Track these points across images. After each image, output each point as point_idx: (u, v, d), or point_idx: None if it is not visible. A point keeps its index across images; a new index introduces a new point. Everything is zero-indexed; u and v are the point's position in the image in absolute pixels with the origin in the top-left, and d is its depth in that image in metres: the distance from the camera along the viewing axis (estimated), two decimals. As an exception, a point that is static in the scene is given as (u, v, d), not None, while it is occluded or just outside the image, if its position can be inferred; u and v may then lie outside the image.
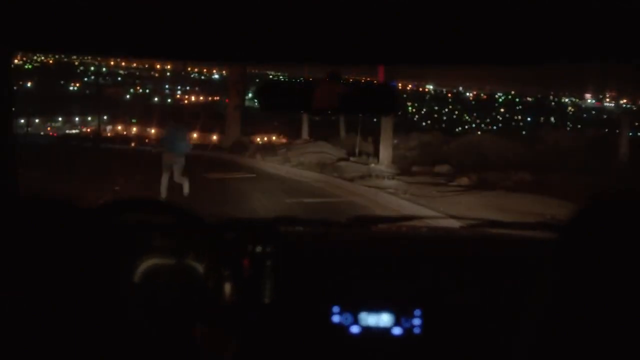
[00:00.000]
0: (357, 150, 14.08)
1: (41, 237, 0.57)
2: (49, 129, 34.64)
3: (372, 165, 12.46)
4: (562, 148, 15.78)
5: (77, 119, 39.57)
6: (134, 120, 28.90)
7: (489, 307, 1.32)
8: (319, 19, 0.77)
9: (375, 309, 1.31)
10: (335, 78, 1.13)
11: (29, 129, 28.71)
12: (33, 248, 0.56)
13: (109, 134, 25.51)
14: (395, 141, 14.72)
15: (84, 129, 32.30)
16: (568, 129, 32.21)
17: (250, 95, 21.13)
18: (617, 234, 0.57)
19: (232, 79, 17.79)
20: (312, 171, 12.00)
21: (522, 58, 0.86)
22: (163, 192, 8.03)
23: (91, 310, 0.57)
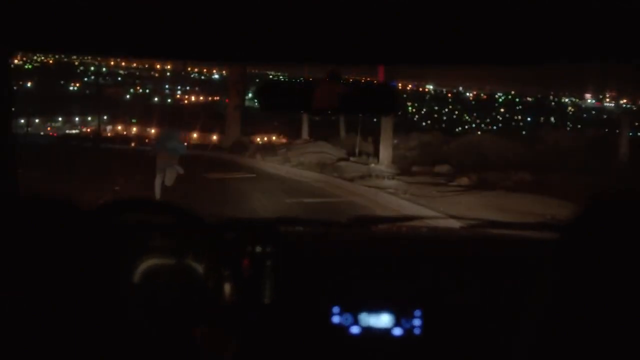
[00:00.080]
0: (357, 150, 14.08)
1: (41, 237, 0.57)
2: (49, 129, 34.63)
3: (372, 165, 12.46)
4: (562, 148, 15.77)
5: (77, 119, 39.56)
6: (134, 120, 28.88)
7: (489, 308, 1.32)
8: (319, 18, 0.76)
9: (376, 309, 1.31)
10: (335, 78, 1.13)
11: (29, 129, 28.70)
12: (32, 248, 0.56)
13: (109, 134, 25.50)
14: (395, 141, 14.71)
15: (84, 129, 32.29)
16: (568, 129, 32.18)
17: (250, 95, 21.13)
18: (617, 234, 0.57)
19: (232, 79, 17.78)
20: (312, 171, 11.99)
21: (522, 58, 0.86)
22: (157, 193, 8.08)
23: (91, 311, 0.57)
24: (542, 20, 0.75)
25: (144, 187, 8.98)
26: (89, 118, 35.30)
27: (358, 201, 9.04)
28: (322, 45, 0.84)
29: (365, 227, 1.60)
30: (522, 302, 1.29)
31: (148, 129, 24.06)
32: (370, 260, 1.38)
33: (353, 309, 1.31)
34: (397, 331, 1.30)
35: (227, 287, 1.24)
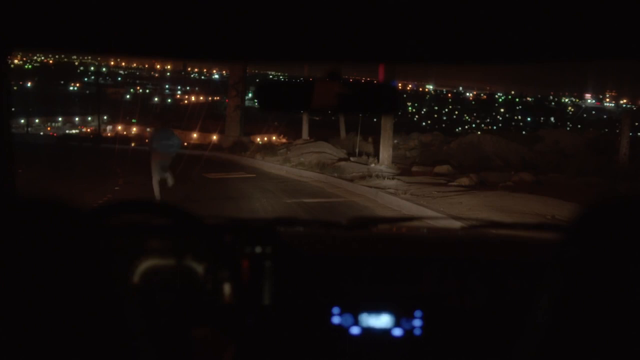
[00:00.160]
0: (357, 150, 14.10)
1: (38, 238, 0.56)
2: (48, 129, 34.70)
3: (372, 165, 12.47)
4: (562, 148, 15.81)
5: (77, 119, 39.66)
6: (134, 120, 28.92)
7: (490, 309, 1.31)
8: (319, 16, 0.76)
9: (376, 310, 1.30)
10: (335, 77, 1.12)
11: (29, 128, 28.78)
12: (29, 250, 0.55)
13: (109, 134, 25.53)
14: (396, 141, 14.75)
15: (84, 129, 32.35)
16: (568, 129, 32.24)
17: (250, 95, 21.16)
18: (622, 236, 0.56)
19: (232, 79, 17.79)
20: (312, 171, 12.00)
21: (524, 55, 0.85)
22: (156, 193, 8.17)
23: (89, 312, 0.56)
24: (543, 17, 0.74)
25: (144, 187, 9.00)
26: (89, 118, 35.38)
27: (358, 201, 9.05)
28: (322, 43, 0.83)
29: (365, 227, 1.59)
30: (524, 303, 1.29)
31: (148, 129, 24.08)
32: (370, 261, 1.37)
33: (353, 310, 1.30)
34: (397, 332, 1.29)
35: (227, 288, 1.23)
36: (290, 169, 12.67)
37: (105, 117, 27.28)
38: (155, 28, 0.80)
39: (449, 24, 0.76)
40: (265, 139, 19.82)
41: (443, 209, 7.68)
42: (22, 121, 29.38)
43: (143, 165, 8.90)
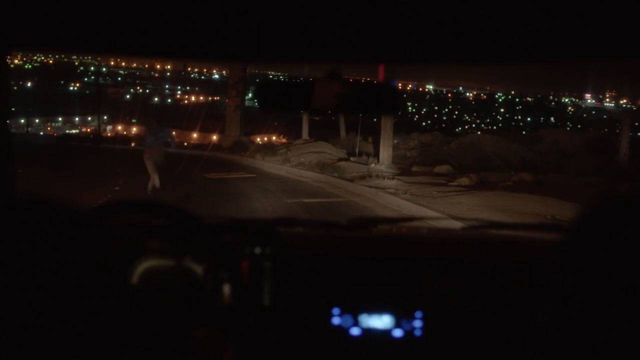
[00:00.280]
0: (357, 150, 14.10)
1: (37, 239, 0.56)
2: (48, 129, 34.69)
3: (372, 165, 12.46)
4: (562, 148, 15.81)
5: (77, 119, 39.65)
6: (134, 120, 28.90)
7: (491, 310, 1.31)
8: (319, 17, 0.75)
9: (376, 310, 1.30)
10: (335, 77, 1.12)
11: (29, 128, 28.77)
12: (28, 250, 0.55)
13: (109, 134, 25.51)
14: (396, 141, 14.74)
15: (84, 129, 32.33)
16: (568, 128, 32.24)
17: (250, 95, 21.15)
18: (625, 237, 0.56)
19: (232, 79, 17.79)
20: (312, 171, 12.00)
21: (526, 55, 0.85)
22: (156, 182, 8.69)
23: (88, 313, 0.56)
24: (542, 16, 0.74)
25: (144, 187, 9.00)
26: (89, 118, 35.38)
27: (358, 201, 9.04)
28: (322, 43, 0.83)
29: (365, 227, 1.59)
30: (524, 304, 1.28)
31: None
32: (370, 261, 1.37)
33: (353, 310, 1.30)
34: (398, 332, 1.29)
35: (226, 289, 1.23)
36: (290, 169, 12.67)
37: (105, 117, 27.25)
38: (155, 28, 0.80)
39: (449, 24, 0.76)
40: (265, 139, 19.80)
41: (443, 209, 7.67)
42: (22, 121, 29.37)
43: (143, 166, 8.90)
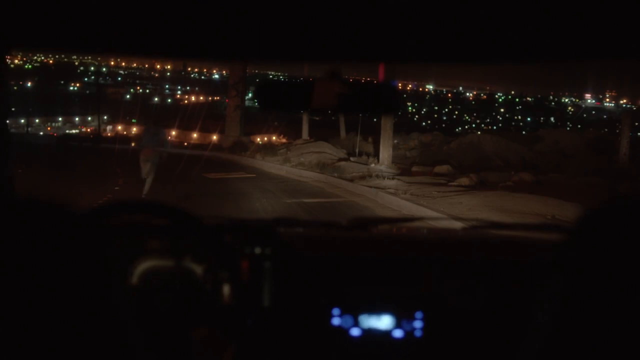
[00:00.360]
0: (357, 150, 14.09)
1: (36, 239, 0.56)
2: (49, 129, 34.68)
3: (372, 165, 12.46)
4: (562, 148, 15.81)
5: (77, 119, 39.64)
6: (134, 120, 28.89)
7: (491, 310, 1.31)
8: (319, 17, 0.75)
9: (376, 311, 1.29)
10: (335, 77, 1.12)
11: (29, 128, 28.77)
12: (27, 250, 0.55)
13: (109, 134, 25.50)
14: (396, 141, 14.74)
15: (84, 129, 32.33)
16: (568, 128, 32.23)
17: (250, 95, 21.15)
18: (627, 238, 0.56)
19: (232, 79, 17.78)
20: (312, 171, 12.00)
21: (526, 55, 0.85)
22: (146, 188, 8.66)
23: (87, 313, 0.56)
24: (542, 16, 0.74)
25: (144, 187, 8.99)
26: (89, 118, 35.36)
27: (358, 201, 9.04)
28: (322, 43, 0.83)
29: (365, 228, 1.59)
30: (524, 304, 1.28)
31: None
32: (370, 262, 1.37)
33: (353, 311, 1.30)
34: (398, 333, 1.29)
35: (226, 289, 1.23)
36: (290, 169, 12.67)
37: (105, 117, 27.24)
38: (155, 28, 0.80)
39: (449, 24, 0.76)
40: (265, 139, 19.80)
41: (443, 209, 7.67)
42: (22, 121, 29.37)
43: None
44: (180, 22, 0.79)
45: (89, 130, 29.93)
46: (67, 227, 0.58)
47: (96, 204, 1.23)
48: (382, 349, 1.30)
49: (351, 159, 13.50)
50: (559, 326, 0.58)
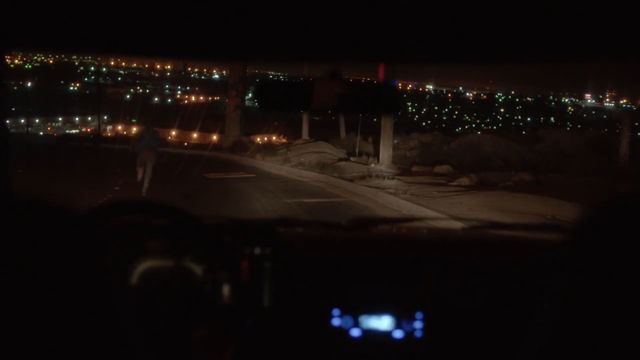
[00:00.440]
0: (357, 150, 14.09)
1: (34, 240, 0.56)
2: (49, 128, 34.67)
3: (372, 165, 12.46)
4: (562, 148, 15.81)
5: (77, 119, 39.64)
6: (134, 120, 28.88)
7: (491, 310, 1.30)
8: (319, 17, 0.75)
9: (376, 311, 1.29)
10: (335, 77, 1.12)
11: (29, 128, 28.77)
12: (25, 251, 0.55)
13: (109, 134, 25.50)
14: (396, 141, 14.74)
15: (84, 129, 32.32)
16: (568, 128, 32.23)
17: (250, 95, 21.15)
18: (629, 239, 0.55)
19: (232, 79, 17.79)
20: (312, 171, 12.00)
21: (526, 55, 0.85)
22: (139, 175, 9.06)
23: (86, 313, 0.56)
24: (542, 16, 0.74)
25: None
26: (89, 118, 35.36)
27: (358, 201, 9.04)
28: (322, 43, 0.83)
29: (365, 228, 1.59)
30: (525, 304, 1.28)
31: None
32: (371, 262, 1.37)
33: (353, 312, 1.30)
34: (398, 334, 1.28)
35: (226, 290, 1.22)
36: (290, 169, 12.67)
37: (105, 117, 27.23)
38: (155, 28, 0.80)
39: (449, 24, 0.76)
40: (265, 139, 19.80)
41: (443, 209, 7.67)
42: (22, 121, 29.37)
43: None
44: (180, 22, 0.79)
45: (89, 130, 29.92)
46: (67, 227, 0.58)
47: (96, 204, 1.23)
48: (382, 349, 1.30)
49: (351, 159, 13.50)
50: (560, 326, 0.58)
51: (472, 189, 9.51)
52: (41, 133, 27.94)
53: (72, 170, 11.41)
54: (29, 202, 0.58)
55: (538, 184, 10.41)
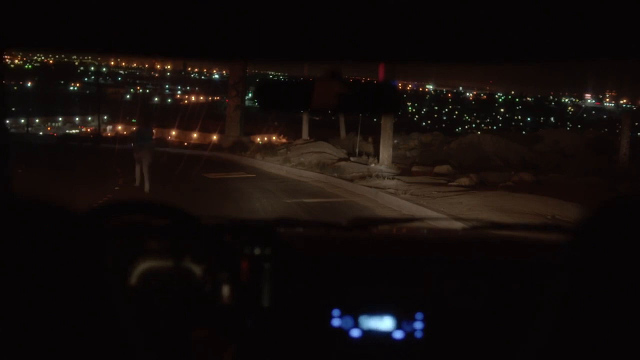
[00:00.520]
0: (357, 150, 14.09)
1: (34, 240, 0.55)
2: (49, 128, 34.66)
3: (372, 165, 12.46)
4: (562, 148, 15.81)
5: (77, 119, 39.63)
6: (134, 120, 28.87)
7: (492, 310, 1.30)
8: (319, 17, 0.75)
9: (376, 312, 1.29)
10: (335, 77, 1.12)
11: (29, 128, 28.77)
12: (24, 251, 0.55)
13: (109, 134, 25.49)
14: (396, 141, 14.73)
15: (84, 129, 32.30)
16: (568, 128, 32.23)
17: (250, 95, 21.16)
18: (632, 239, 0.55)
19: (232, 79, 17.78)
20: (312, 171, 11.99)
21: (526, 55, 0.85)
22: (137, 180, 9.32)
23: (86, 314, 0.56)
24: (542, 16, 0.74)
25: (143, 187, 8.99)
26: (89, 118, 35.34)
27: (358, 201, 9.04)
28: (322, 43, 0.83)
29: (365, 228, 1.59)
30: (526, 305, 1.28)
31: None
32: (371, 262, 1.37)
33: (353, 312, 1.29)
34: (399, 334, 1.28)
35: (226, 290, 1.22)
36: (290, 169, 12.66)
37: (105, 117, 27.22)
38: (155, 28, 0.80)
39: (449, 24, 0.76)
40: (265, 139, 19.78)
41: (443, 209, 7.67)
42: (22, 121, 29.37)
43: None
44: (180, 22, 0.79)
45: (89, 130, 29.90)
46: (67, 228, 0.58)
47: (96, 204, 1.22)
48: (383, 350, 1.29)
49: (351, 159, 13.50)
50: (560, 326, 0.58)
51: (472, 189, 9.51)
52: (41, 133, 27.93)
53: (72, 170, 11.41)
54: (29, 202, 0.58)
55: (538, 184, 10.41)
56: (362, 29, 0.77)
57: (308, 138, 16.60)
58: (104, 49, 0.96)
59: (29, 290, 0.53)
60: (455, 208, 7.76)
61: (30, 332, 0.52)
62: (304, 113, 14.19)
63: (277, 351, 1.30)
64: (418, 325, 1.28)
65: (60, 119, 39.66)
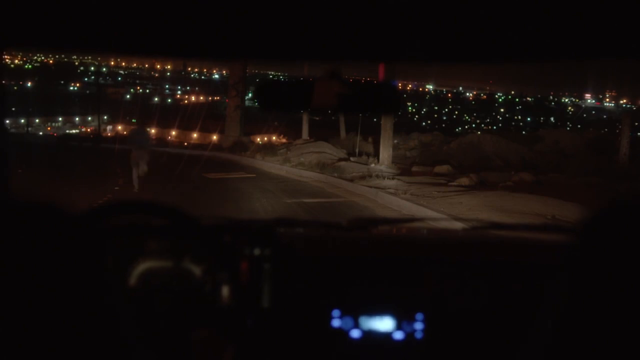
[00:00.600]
0: (357, 150, 14.09)
1: (33, 241, 0.55)
2: (49, 128, 34.65)
3: (372, 165, 12.46)
4: (562, 148, 15.81)
5: (77, 119, 39.62)
6: (134, 120, 28.86)
7: (492, 311, 1.30)
8: (319, 17, 0.75)
9: (376, 312, 1.29)
10: (335, 77, 1.12)
11: (29, 128, 28.77)
12: (24, 252, 0.55)
13: (109, 134, 25.48)
14: (396, 141, 14.74)
15: (84, 129, 32.29)
16: (568, 128, 32.23)
17: (250, 95, 21.15)
18: (634, 239, 0.55)
19: (232, 79, 17.78)
20: (312, 171, 12.00)
21: (526, 55, 0.85)
22: (136, 187, 9.26)
23: (86, 314, 0.56)
24: (542, 16, 0.74)
25: (143, 187, 8.99)
26: (89, 118, 35.33)
27: (358, 201, 9.04)
28: (322, 43, 0.83)
29: (365, 228, 1.59)
30: (526, 305, 1.28)
31: (148, 129, 23.94)
32: (371, 263, 1.36)
33: (353, 312, 1.29)
34: (399, 335, 1.28)
35: (225, 290, 1.22)
36: (290, 169, 12.67)
37: (105, 117, 27.20)
38: (155, 28, 0.80)
39: (449, 23, 0.76)
40: (265, 139, 19.78)
41: (443, 209, 7.67)
42: (22, 121, 29.37)
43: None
44: (180, 22, 0.79)
45: (89, 130, 29.87)
46: (66, 228, 0.58)
47: (96, 204, 1.22)
48: (383, 350, 1.29)
49: (351, 159, 13.50)
50: (560, 327, 0.58)
51: (472, 189, 9.51)
52: (41, 133, 27.92)
53: (72, 170, 11.41)
54: (28, 202, 0.58)
55: (538, 184, 10.41)
56: (362, 29, 0.77)
57: (308, 138, 16.60)
58: (104, 49, 0.96)
59: (29, 291, 0.53)
60: (455, 208, 7.76)
61: (31, 332, 0.52)
62: (304, 113, 14.20)
63: (277, 352, 1.30)
64: (418, 325, 1.28)
65: (60, 119, 39.65)
